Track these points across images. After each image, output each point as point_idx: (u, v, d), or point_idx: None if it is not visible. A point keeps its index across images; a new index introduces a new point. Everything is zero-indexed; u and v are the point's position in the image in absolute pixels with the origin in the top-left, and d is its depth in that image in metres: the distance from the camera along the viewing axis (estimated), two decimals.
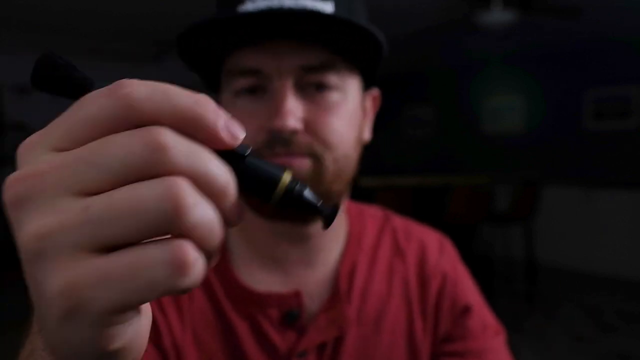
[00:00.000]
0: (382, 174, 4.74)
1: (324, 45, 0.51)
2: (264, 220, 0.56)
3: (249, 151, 0.23)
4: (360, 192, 3.45)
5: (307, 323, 0.56)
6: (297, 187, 0.24)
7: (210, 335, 0.55)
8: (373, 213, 0.67)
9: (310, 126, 0.51)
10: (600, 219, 4.46)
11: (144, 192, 0.18)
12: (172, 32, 4.46)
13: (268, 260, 0.58)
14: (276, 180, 0.23)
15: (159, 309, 0.54)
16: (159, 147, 0.18)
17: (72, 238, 0.18)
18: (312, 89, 0.52)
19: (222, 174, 0.20)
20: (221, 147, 0.21)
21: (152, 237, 0.19)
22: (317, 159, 0.52)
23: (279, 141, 0.50)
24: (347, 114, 0.54)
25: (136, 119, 0.19)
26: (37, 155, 0.20)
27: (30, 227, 0.18)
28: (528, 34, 4.39)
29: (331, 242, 0.60)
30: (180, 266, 0.18)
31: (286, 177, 0.23)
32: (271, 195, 0.23)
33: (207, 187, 0.20)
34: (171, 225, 0.18)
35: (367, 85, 0.59)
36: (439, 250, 0.64)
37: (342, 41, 0.51)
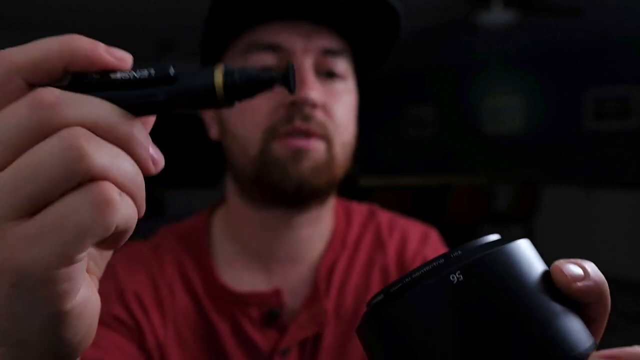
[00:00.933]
0: (382, 174, 4.74)
1: (341, 33, 0.54)
2: (256, 211, 0.56)
3: (171, 70, 0.22)
4: (360, 192, 3.45)
5: (288, 321, 0.56)
6: (235, 74, 0.22)
7: (192, 335, 0.55)
8: (359, 210, 0.67)
9: (325, 107, 0.53)
10: (600, 219, 4.46)
11: (44, 150, 0.19)
12: (172, 32, 4.46)
13: (252, 257, 0.59)
14: (209, 83, 0.22)
15: (142, 310, 0.54)
16: (43, 105, 0.19)
17: None
18: (324, 75, 0.54)
19: (117, 118, 0.20)
20: (112, 67, 0.21)
21: (70, 189, 0.19)
22: (329, 143, 0.53)
23: (299, 115, 0.51)
24: (350, 104, 0.57)
25: (18, 76, 0.20)
26: None
27: None
28: (528, 34, 4.39)
29: (316, 236, 0.60)
30: (103, 203, 0.19)
31: (217, 75, 0.22)
32: (216, 99, 0.22)
33: (108, 135, 0.20)
34: (79, 173, 0.19)
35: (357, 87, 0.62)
36: (421, 240, 0.64)
37: (361, 24, 0.53)
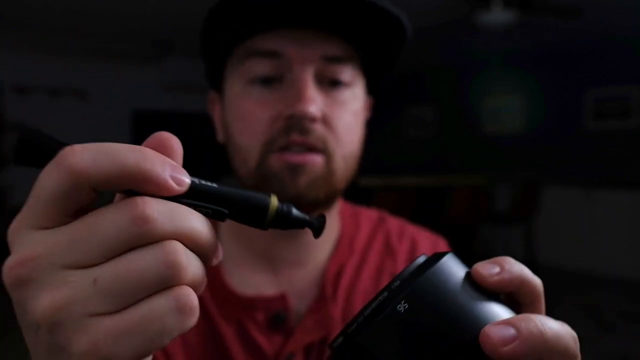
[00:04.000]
0: (382, 174, 4.74)
1: (346, 39, 0.53)
2: None
3: (225, 210, 0.25)
4: (360, 192, 3.45)
5: (295, 325, 0.55)
6: (285, 208, 0.26)
7: (197, 338, 0.55)
8: (368, 215, 0.66)
9: (326, 119, 0.52)
10: (600, 219, 4.46)
11: (145, 261, 0.21)
12: (172, 32, 4.46)
13: (260, 260, 0.58)
14: (265, 205, 0.25)
15: None
16: (145, 221, 0.21)
17: (87, 308, 0.20)
18: (327, 84, 0.53)
19: (204, 229, 0.23)
20: (169, 194, 0.22)
21: (159, 289, 0.21)
22: (329, 156, 0.52)
23: (296, 128, 0.50)
24: (356, 112, 0.55)
25: (88, 187, 0.21)
26: (25, 235, 0.22)
27: (43, 302, 0.20)
28: (528, 34, 4.39)
29: (323, 241, 0.60)
30: (186, 311, 0.21)
31: (274, 201, 0.26)
32: (264, 221, 0.25)
33: (193, 244, 0.23)
34: (171, 283, 0.21)
35: (369, 91, 0.60)
36: (430, 248, 0.64)
37: (366, 35, 0.52)
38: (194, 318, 0.22)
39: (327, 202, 0.55)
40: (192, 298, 0.22)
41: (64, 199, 0.21)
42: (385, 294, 0.24)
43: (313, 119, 0.50)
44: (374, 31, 0.52)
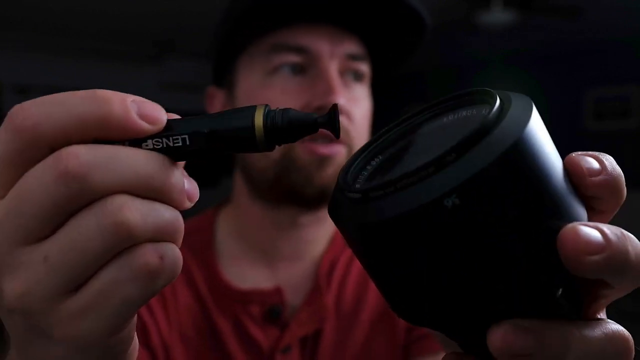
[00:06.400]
0: None
1: (363, 36, 0.55)
2: (267, 210, 0.56)
3: (205, 129, 0.20)
4: None
5: (290, 318, 0.56)
6: (277, 113, 0.21)
7: (195, 332, 0.55)
8: None
9: (346, 112, 0.53)
10: None
11: (87, 227, 0.18)
12: (172, 32, 4.46)
13: (257, 254, 0.59)
14: (248, 125, 0.20)
15: (146, 309, 0.54)
16: (72, 177, 0.18)
17: (45, 290, 0.19)
18: (350, 77, 0.55)
19: (157, 169, 0.19)
20: (141, 136, 0.19)
21: (115, 253, 0.19)
22: (350, 148, 0.53)
23: None
24: (368, 108, 0.58)
25: (45, 144, 0.18)
26: None
27: (7, 289, 0.19)
28: (528, 34, 4.39)
29: (320, 235, 0.60)
30: (146, 273, 0.19)
31: (258, 116, 0.20)
32: (255, 142, 0.20)
33: (144, 190, 0.19)
34: (123, 245, 0.18)
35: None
36: None
37: (385, 32, 0.54)
38: (157, 280, 0.19)
39: None
40: (151, 258, 0.18)
41: (17, 163, 0.18)
42: (432, 168, 0.17)
43: (341, 111, 0.51)
44: (395, 30, 0.54)
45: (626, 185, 0.22)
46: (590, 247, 0.17)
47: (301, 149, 0.51)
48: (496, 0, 3.08)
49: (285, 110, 0.21)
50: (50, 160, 0.18)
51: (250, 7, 0.51)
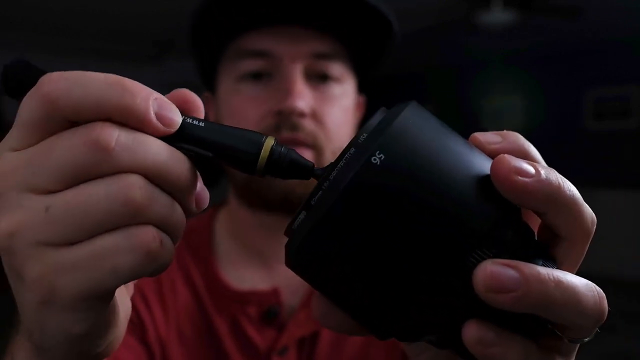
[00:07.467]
0: None
1: (333, 36, 0.53)
2: (253, 213, 0.56)
3: (211, 152, 0.21)
4: None
5: (287, 320, 0.56)
6: (282, 150, 0.22)
7: (193, 332, 0.55)
8: None
9: (315, 114, 0.52)
10: (600, 218, 4.39)
11: (97, 194, 0.19)
12: (172, 32, 4.46)
13: (254, 256, 0.59)
14: (258, 144, 0.22)
15: (144, 305, 0.54)
16: (100, 148, 0.19)
17: (36, 236, 0.19)
18: (317, 79, 0.53)
19: (175, 165, 0.20)
20: (157, 134, 0.20)
21: (116, 227, 0.19)
22: (319, 152, 0.52)
23: (286, 125, 0.50)
24: (346, 108, 0.55)
25: (61, 117, 0.20)
26: (2, 156, 0.21)
27: (1, 225, 0.20)
28: (528, 34, 4.39)
29: None
30: (143, 252, 0.19)
31: (269, 142, 0.22)
32: (254, 166, 0.22)
33: (159, 178, 0.20)
34: (129, 221, 0.19)
35: (360, 89, 0.61)
36: None
37: (352, 32, 0.52)
38: (155, 262, 0.20)
39: None
40: (151, 239, 0.19)
41: (37, 126, 0.20)
42: (353, 149, 0.20)
43: (301, 114, 0.50)
44: (361, 28, 0.52)
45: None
46: (517, 169, 0.20)
47: None
48: (496, 0, 3.08)
49: (290, 150, 0.22)
50: (83, 128, 0.19)
51: (209, 14, 0.51)
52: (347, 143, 0.20)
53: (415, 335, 0.22)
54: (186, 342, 0.54)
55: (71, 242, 0.19)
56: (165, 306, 0.55)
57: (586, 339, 0.21)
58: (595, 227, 0.22)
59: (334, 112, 0.53)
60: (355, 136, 0.20)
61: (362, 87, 0.61)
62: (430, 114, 0.22)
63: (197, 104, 0.22)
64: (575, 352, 0.22)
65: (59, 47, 5.08)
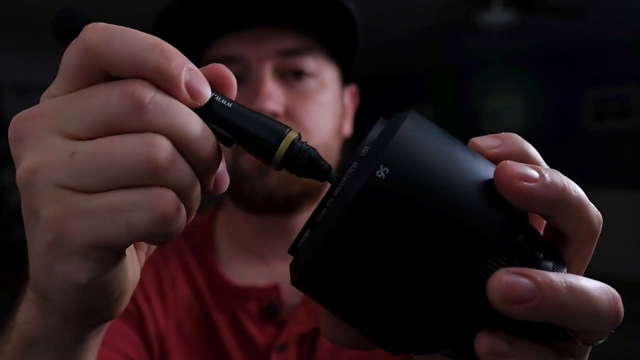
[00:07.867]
0: None
1: (302, 31, 0.52)
2: (245, 215, 0.56)
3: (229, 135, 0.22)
4: None
5: (287, 316, 0.56)
6: (304, 146, 0.22)
7: (192, 327, 0.55)
8: None
9: (289, 112, 0.52)
10: None
11: (124, 147, 0.19)
12: None
13: (253, 254, 0.59)
14: (280, 136, 0.21)
15: (145, 299, 0.54)
16: (134, 103, 0.19)
17: (58, 177, 0.19)
18: (291, 76, 0.53)
19: (203, 138, 0.20)
20: (185, 103, 0.21)
21: (135, 185, 0.20)
22: None
23: None
24: (326, 102, 0.55)
25: (98, 67, 0.20)
26: (42, 101, 0.21)
27: (24, 162, 0.20)
28: (528, 34, 4.39)
29: None
30: (158, 211, 0.19)
31: (290, 136, 0.21)
32: (270, 159, 0.21)
33: (184, 147, 0.20)
34: (149, 180, 0.19)
35: (346, 80, 0.60)
36: None
37: (318, 24, 0.52)
38: (169, 225, 0.20)
39: (305, 196, 0.55)
40: (168, 202, 0.19)
41: (76, 74, 0.20)
42: (355, 164, 0.19)
43: (274, 114, 0.50)
44: (321, 19, 0.52)
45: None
46: (523, 175, 0.19)
47: (245, 158, 0.52)
48: (496, 0, 3.08)
49: (311, 148, 0.22)
50: (121, 82, 0.20)
51: (167, 32, 0.51)
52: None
53: (429, 348, 0.21)
54: (185, 337, 0.55)
55: (90, 191, 0.19)
56: (165, 301, 0.55)
57: (600, 341, 0.21)
58: (601, 225, 0.22)
59: (310, 108, 0.53)
60: (356, 150, 0.20)
61: (350, 76, 0.60)
62: (430, 122, 0.21)
63: (231, 80, 0.22)
64: (588, 354, 0.22)
65: (59, 47, 5.08)
